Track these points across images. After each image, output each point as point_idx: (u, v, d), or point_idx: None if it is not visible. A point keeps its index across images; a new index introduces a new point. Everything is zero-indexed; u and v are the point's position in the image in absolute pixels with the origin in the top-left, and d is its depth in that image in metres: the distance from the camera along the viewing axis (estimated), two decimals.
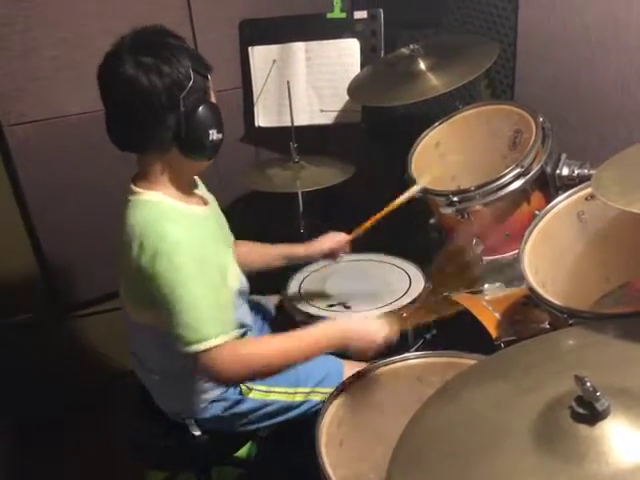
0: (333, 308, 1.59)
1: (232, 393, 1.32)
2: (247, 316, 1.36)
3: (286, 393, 1.37)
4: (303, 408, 1.39)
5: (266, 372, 1.18)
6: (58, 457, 1.99)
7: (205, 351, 1.08)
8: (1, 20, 1.77)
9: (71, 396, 2.16)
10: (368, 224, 1.57)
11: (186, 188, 1.25)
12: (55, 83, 1.89)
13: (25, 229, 2.01)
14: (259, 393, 1.35)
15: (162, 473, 1.84)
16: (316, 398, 1.39)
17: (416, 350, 1.55)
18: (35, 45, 1.84)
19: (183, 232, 1.13)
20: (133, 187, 1.20)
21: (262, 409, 1.35)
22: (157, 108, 1.09)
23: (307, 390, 1.38)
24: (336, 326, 1.26)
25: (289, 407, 1.38)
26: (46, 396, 2.08)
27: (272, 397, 1.35)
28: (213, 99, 1.20)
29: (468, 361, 1.19)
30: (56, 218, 1.97)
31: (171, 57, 1.09)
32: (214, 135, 1.16)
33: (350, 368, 1.41)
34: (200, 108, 1.12)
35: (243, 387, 1.33)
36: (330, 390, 1.34)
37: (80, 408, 2.12)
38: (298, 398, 1.38)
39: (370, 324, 1.26)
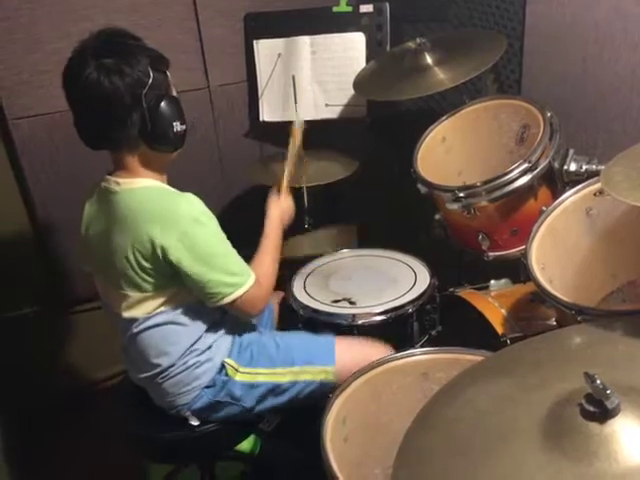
0: (338, 304, 1.59)
1: (219, 376, 1.35)
2: None
3: (274, 374, 1.38)
4: (295, 389, 1.39)
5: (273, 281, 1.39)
6: (58, 450, 2.00)
7: (246, 291, 1.26)
8: (6, 13, 1.77)
9: (72, 390, 2.17)
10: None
11: (162, 177, 1.30)
12: (59, 77, 1.87)
13: (29, 222, 2.01)
14: (247, 375, 1.37)
15: (165, 467, 1.84)
16: (307, 377, 1.39)
17: (421, 346, 1.55)
18: (40, 39, 1.84)
19: (199, 200, 1.23)
20: (115, 179, 1.25)
21: (251, 391, 1.36)
22: (121, 107, 1.16)
23: (297, 370, 1.39)
24: (275, 220, 1.48)
25: (279, 388, 1.38)
26: (47, 390, 2.08)
27: (260, 379, 1.37)
28: (174, 93, 1.26)
29: (474, 357, 1.19)
30: (60, 211, 1.97)
31: (130, 58, 1.15)
32: (178, 127, 1.23)
33: (341, 344, 1.42)
34: (162, 103, 1.19)
35: (228, 368, 1.35)
36: (322, 368, 1.38)
37: (81, 402, 2.13)
38: (287, 378, 1.38)
39: (282, 203, 1.53)
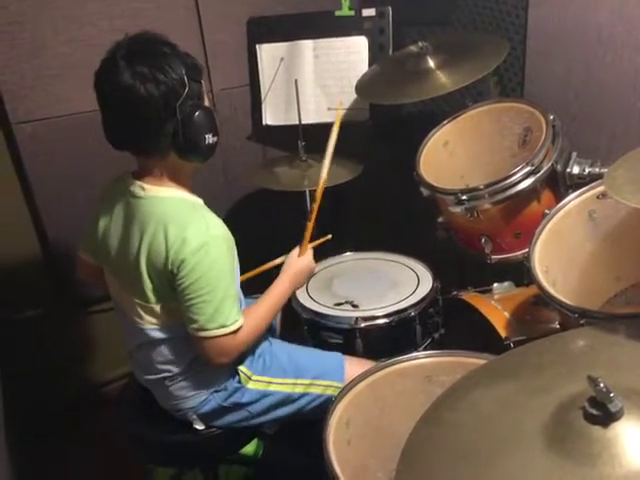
0: (340, 307, 1.59)
1: (231, 382, 1.34)
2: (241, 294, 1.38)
3: (286, 384, 1.38)
4: (303, 401, 1.40)
5: (253, 342, 1.31)
6: (62, 452, 2.00)
7: (222, 335, 1.19)
8: (11, 18, 1.78)
9: (76, 392, 2.17)
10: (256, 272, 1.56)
11: (188, 185, 1.28)
12: (63, 81, 1.89)
13: (33, 225, 2.02)
14: (259, 384, 1.36)
15: (169, 470, 1.84)
16: (316, 391, 1.40)
17: (424, 349, 1.55)
18: (44, 43, 1.84)
19: (220, 224, 1.21)
20: (141, 184, 1.23)
21: (262, 400, 1.37)
22: (155, 116, 1.13)
23: (306, 382, 1.39)
24: (286, 280, 1.39)
25: (289, 398, 1.39)
26: (51, 392, 2.08)
27: (272, 388, 1.37)
28: (207, 102, 1.24)
29: (477, 360, 1.19)
30: (64, 215, 1.98)
31: (166, 66, 1.12)
32: (210, 139, 1.20)
33: (351, 363, 1.43)
34: (196, 114, 1.16)
35: (242, 375, 1.34)
36: (330, 383, 1.39)
37: (85, 405, 2.13)
38: (298, 389, 1.39)
39: (301, 262, 1.42)
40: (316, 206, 1.48)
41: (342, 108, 1.58)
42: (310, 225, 1.47)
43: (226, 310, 1.18)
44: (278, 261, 1.56)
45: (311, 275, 1.45)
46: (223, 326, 1.18)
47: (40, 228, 2.01)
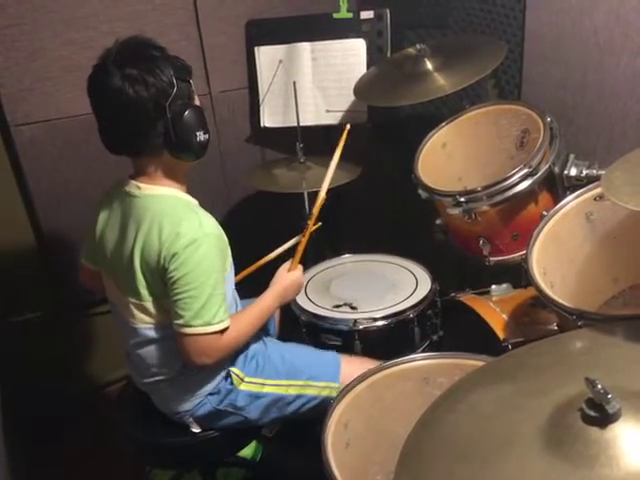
0: (339, 309, 1.59)
1: (224, 384, 1.34)
2: (233, 293, 1.39)
3: (279, 385, 1.38)
4: (298, 403, 1.40)
5: (238, 347, 1.31)
6: (61, 455, 2.00)
7: (206, 334, 1.18)
8: (10, 21, 1.78)
9: (75, 395, 2.17)
10: (253, 268, 1.56)
11: (183, 184, 1.30)
12: (62, 84, 1.90)
13: (32, 228, 2.02)
14: (252, 385, 1.36)
15: (167, 473, 1.84)
16: (311, 392, 1.40)
17: (423, 351, 1.55)
18: (43, 46, 1.85)
19: (214, 223, 1.22)
20: (136, 183, 1.25)
21: (255, 401, 1.37)
22: (145, 117, 1.16)
23: (300, 383, 1.39)
24: (274, 294, 1.39)
25: (283, 400, 1.38)
26: (49, 395, 2.08)
27: (266, 389, 1.37)
28: (197, 101, 1.26)
29: (475, 362, 1.19)
30: (62, 217, 1.98)
31: (154, 68, 1.15)
32: (201, 136, 1.23)
33: (348, 361, 1.42)
34: (186, 112, 1.19)
35: (234, 377, 1.34)
36: (326, 384, 1.39)
37: (83, 408, 2.13)
38: (292, 391, 1.39)
39: (290, 277, 1.42)
40: (311, 223, 1.49)
41: (347, 131, 1.59)
42: (304, 241, 1.48)
43: (213, 308, 1.18)
44: (273, 255, 1.55)
45: (299, 290, 1.46)
46: (208, 324, 1.18)
47: (38, 230, 2.01)
